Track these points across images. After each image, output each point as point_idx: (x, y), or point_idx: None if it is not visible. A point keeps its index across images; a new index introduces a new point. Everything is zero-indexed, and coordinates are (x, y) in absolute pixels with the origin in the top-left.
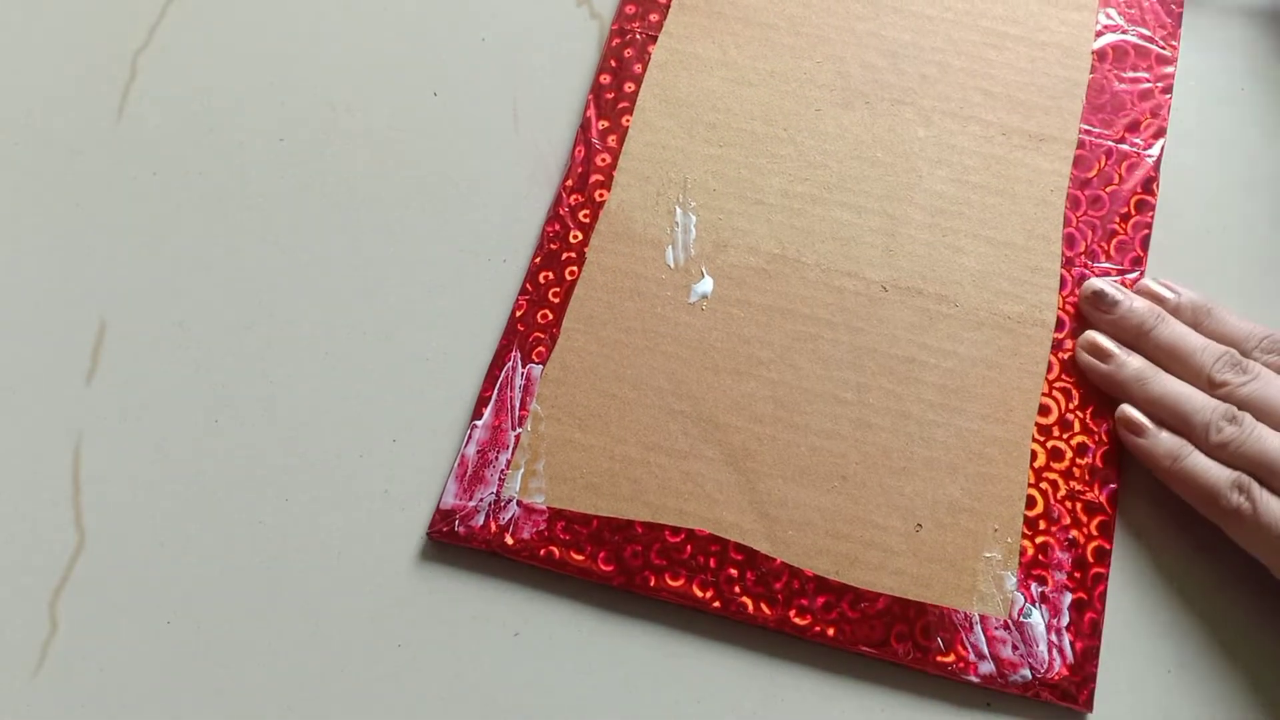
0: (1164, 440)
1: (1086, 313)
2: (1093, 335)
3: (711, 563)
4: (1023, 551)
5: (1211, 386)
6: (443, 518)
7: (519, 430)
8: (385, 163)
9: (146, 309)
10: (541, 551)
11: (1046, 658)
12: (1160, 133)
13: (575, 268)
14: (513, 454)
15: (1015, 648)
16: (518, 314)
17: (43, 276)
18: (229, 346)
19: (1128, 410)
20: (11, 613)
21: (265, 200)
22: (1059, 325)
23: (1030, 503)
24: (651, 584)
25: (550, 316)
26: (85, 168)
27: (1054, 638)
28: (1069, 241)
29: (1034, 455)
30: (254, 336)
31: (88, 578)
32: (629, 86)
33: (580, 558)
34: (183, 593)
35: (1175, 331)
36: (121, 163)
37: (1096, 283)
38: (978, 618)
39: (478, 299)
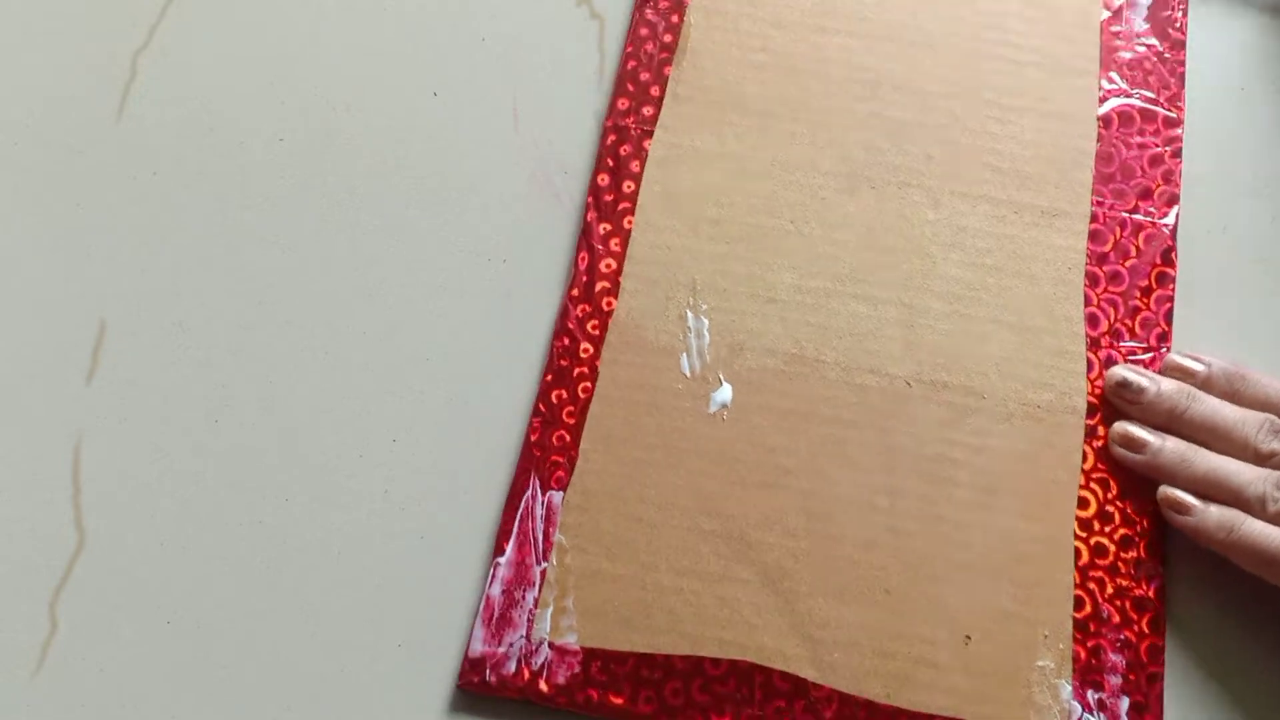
0: (1214, 514)
1: (1114, 402)
2: (1124, 426)
3: (757, 694)
4: (1075, 657)
5: (1259, 458)
6: (472, 666)
7: (544, 564)
8: (385, 163)
9: (146, 309)
10: (579, 697)
11: None
12: (1173, 199)
13: (588, 384)
14: (539, 591)
15: None
16: (533, 438)
17: (43, 276)
18: (229, 346)
19: (1170, 491)
20: (11, 613)
21: (265, 200)
22: (1090, 411)
23: (1078, 604)
24: None
25: (567, 438)
26: (85, 168)
27: None
28: (1092, 321)
29: (1078, 553)
30: (254, 336)
31: (88, 578)
32: (628, 186)
33: (620, 700)
34: (183, 593)
35: (1209, 407)
36: (121, 163)
37: (1120, 371)
38: None
39: (478, 299)
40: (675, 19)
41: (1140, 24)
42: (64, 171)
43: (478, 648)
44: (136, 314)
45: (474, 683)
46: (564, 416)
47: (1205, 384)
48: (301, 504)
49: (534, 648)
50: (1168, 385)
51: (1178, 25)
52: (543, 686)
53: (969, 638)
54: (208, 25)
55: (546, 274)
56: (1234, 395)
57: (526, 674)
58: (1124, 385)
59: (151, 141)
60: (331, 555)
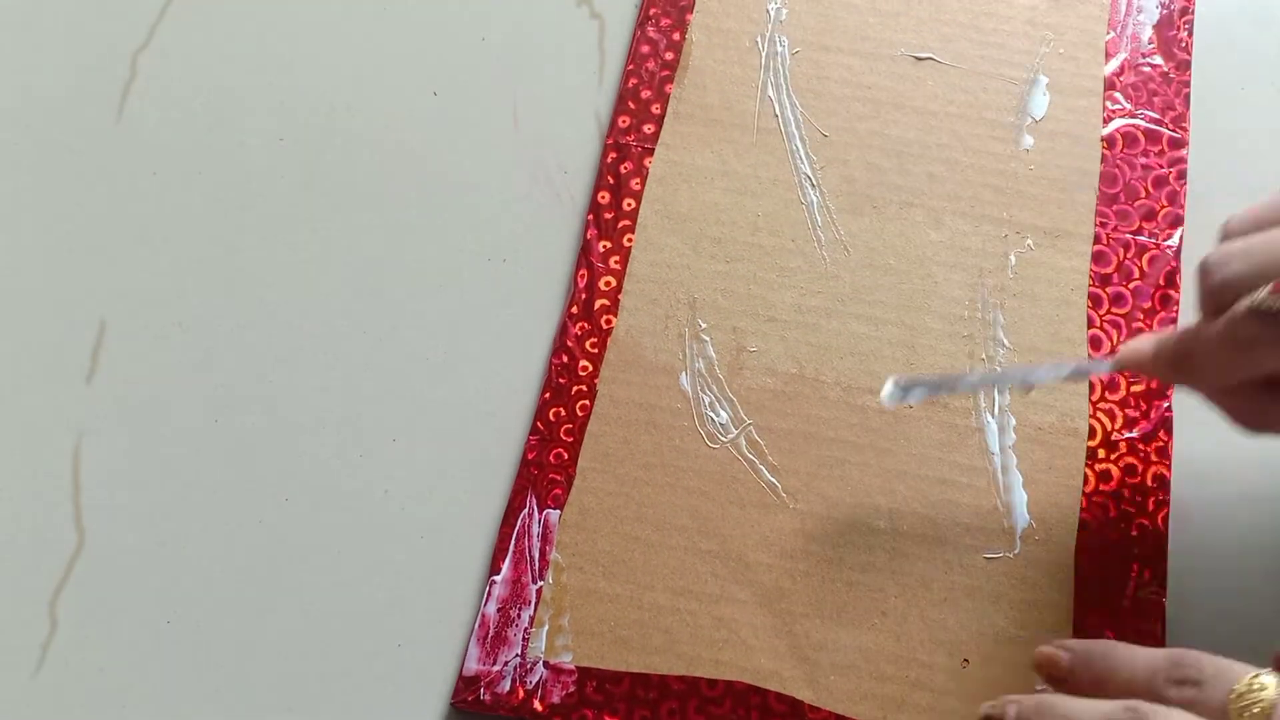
0: None
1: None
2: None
3: (753, 715)
4: None
5: None
6: (466, 685)
7: (540, 583)
8: (385, 163)
9: (146, 309)
10: (574, 717)
11: None
12: (1178, 221)
13: (587, 401)
14: (535, 609)
15: None
16: (530, 456)
17: (43, 276)
18: (229, 346)
19: None
20: (11, 613)
21: (265, 200)
22: (1091, 434)
23: (1077, 627)
24: None
25: (565, 456)
26: (85, 168)
27: None
28: (1094, 343)
29: (1078, 576)
30: (254, 336)
31: (88, 578)
32: (629, 203)
33: None
34: (183, 593)
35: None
36: (121, 163)
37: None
38: None
39: (478, 299)
40: (677, 36)
41: (1145, 44)
42: (64, 171)
43: (472, 666)
44: (136, 314)
45: (468, 701)
46: (562, 434)
47: (1068, 675)
48: (301, 504)
49: (529, 667)
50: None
51: (1183, 45)
52: (537, 706)
53: (967, 661)
54: (208, 25)
55: (547, 273)
56: (1098, 684)
57: (521, 693)
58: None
59: (151, 141)
60: (331, 555)
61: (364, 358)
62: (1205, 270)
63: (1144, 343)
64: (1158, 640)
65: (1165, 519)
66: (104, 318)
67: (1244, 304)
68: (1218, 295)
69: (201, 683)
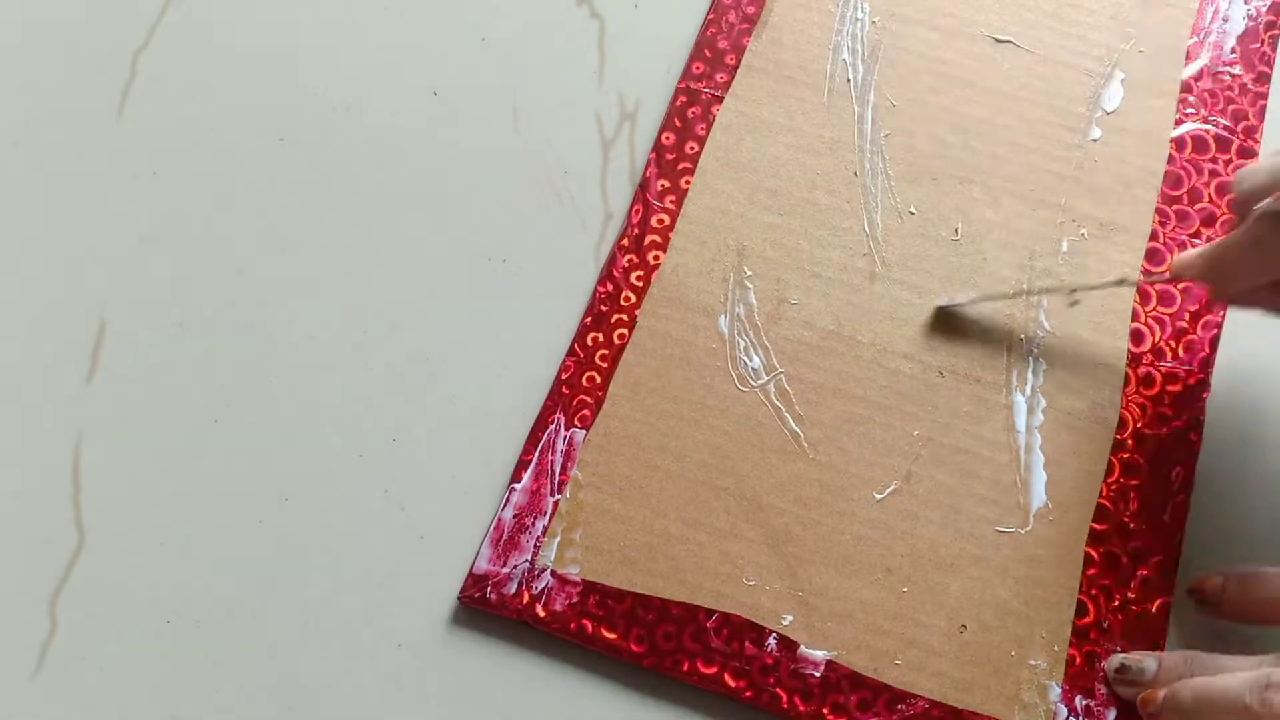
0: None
1: (1119, 690)
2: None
3: (748, 649)
4: (1069, 660)
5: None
6: (475, 582)
7: (558, 496)
8: (385, 163)
9: (146, 309)
10: (573, 625)
11: None
12: None
13: (625, 330)
14: (550, 521)
15: None
16: (563, 376)
17: (43, 276)
18: (229, 346)
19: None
20: (11, 613)
21: (265, 200)
22: (1121, 425)
23: (1081, 610)
24: (684, 668)
25: (597, 380)
26: (85, 168)
27: None
28: (1136, 337)
29: (1088, 561)
30: (254, 336)
31: (88, 578)
32: (691, 147)
33: (612, 635)
34: (182, 593)
35: (1208, 667)
36: (121, 163)
37: (1117, 658)
38: None
39: (477, 299)
40: None
41: (1228, 53)
42: (64, 171)
43: (483, 565)
44: (136, 314)
45: (474, 598)
46: (597, 359)
47: (1154, 679)
48: (301, 504)
49: (537, 573)
50: (1169, 659)
51: (1265, 58)
52: (539, 611)
53: (964, 627)
54: (208, 25)
55: (546, 273)
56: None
57: (526, 596)
58: (1124, 670)
59: (151, 141)
60: (331, 555)
61: (364, 357)
62: (1235, 181)
63: (1192, 252)
64: (1159, 636)
65: (1183, 516)
66: (104, 318)
67: (1260, 208)
68: (1243, 205)
69: (201, 683)
